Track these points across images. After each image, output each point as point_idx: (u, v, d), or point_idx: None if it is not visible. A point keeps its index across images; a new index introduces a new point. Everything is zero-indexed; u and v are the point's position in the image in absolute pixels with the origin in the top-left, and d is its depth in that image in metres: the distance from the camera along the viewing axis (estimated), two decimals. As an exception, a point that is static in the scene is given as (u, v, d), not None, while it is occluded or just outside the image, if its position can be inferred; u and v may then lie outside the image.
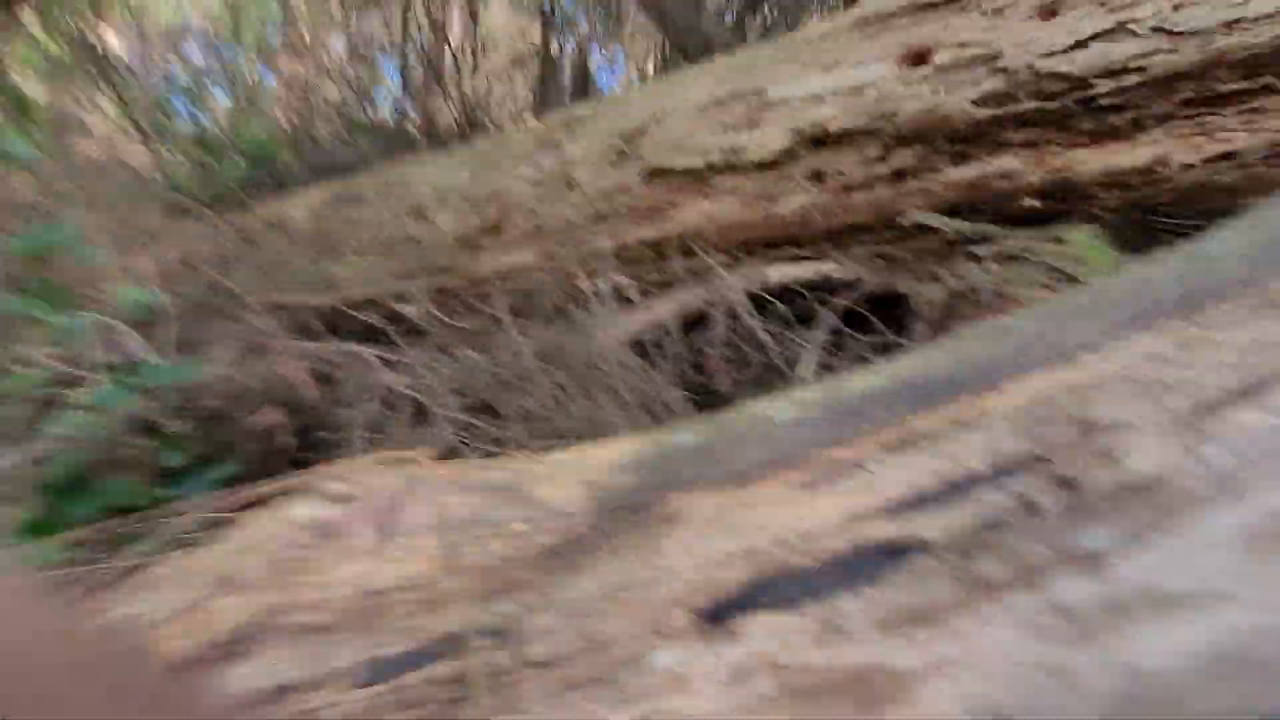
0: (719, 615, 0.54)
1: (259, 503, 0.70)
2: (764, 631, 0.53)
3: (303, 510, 0.64)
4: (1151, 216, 1.48)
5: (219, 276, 1.98)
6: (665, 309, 1.58)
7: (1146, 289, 0.65)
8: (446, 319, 1.75)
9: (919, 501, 0.55)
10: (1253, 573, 0.48)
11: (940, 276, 1.49)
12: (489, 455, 1.24)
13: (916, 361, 0.71)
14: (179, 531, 0.76)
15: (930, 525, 0.53)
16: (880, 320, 1.48)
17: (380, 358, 1.58)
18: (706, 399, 1.45)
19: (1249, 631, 0.49)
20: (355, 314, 1.88)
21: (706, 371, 1.47)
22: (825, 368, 1.39)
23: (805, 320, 1.47)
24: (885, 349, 1.40)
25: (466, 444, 1.33)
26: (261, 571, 0.61)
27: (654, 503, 0.63)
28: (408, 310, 1.87)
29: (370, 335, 1.86)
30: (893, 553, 0.53)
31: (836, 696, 0.51)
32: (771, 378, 1.41)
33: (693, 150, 1.67)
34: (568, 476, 0.69)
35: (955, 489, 0.54)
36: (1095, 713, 0.50)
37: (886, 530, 0.54)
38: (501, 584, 0.60)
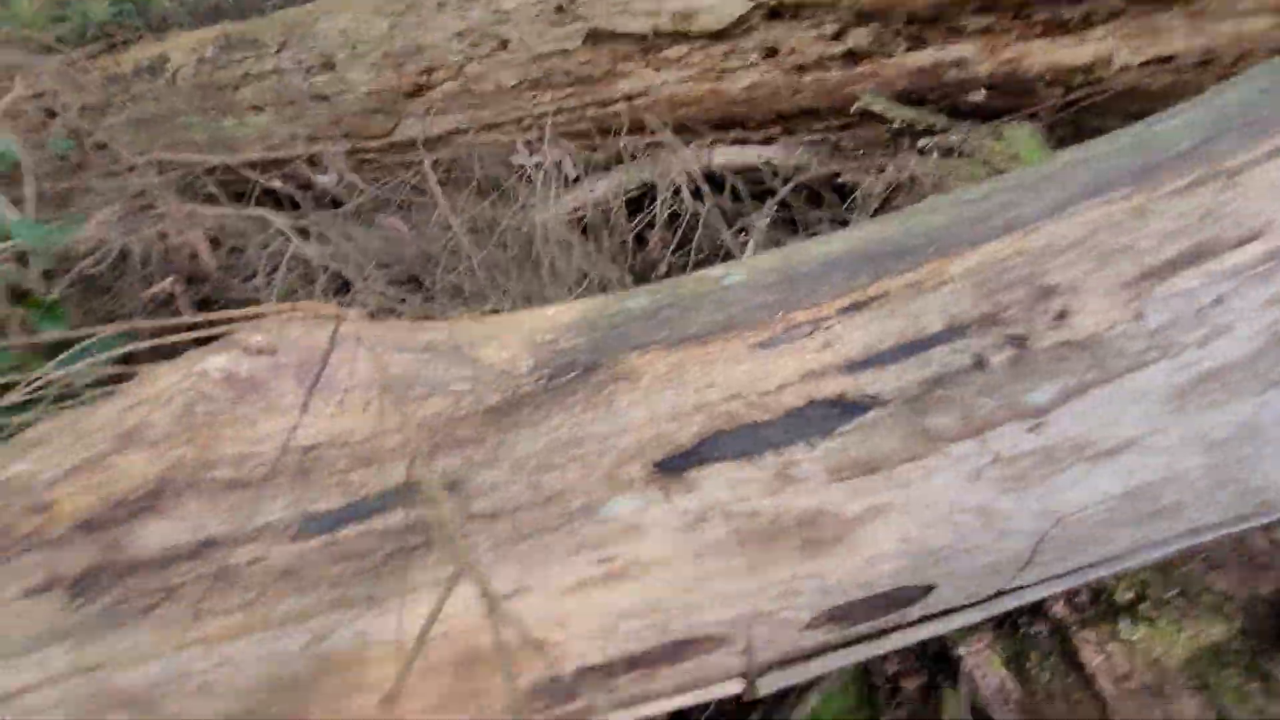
0: (675, 467, 0.53)
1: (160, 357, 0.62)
2: (718, 482, 0.53)
3: (217, 362, 0.57)
4: (1084, 119, 1.51)
5: (88, 126, 1.71)
6: (607, 186, 1.50)
7: (1101, 162, 0.65)
8: (365, 186, 1.59)
9: (875, 360, 0.55)
10: (1172, 425, 0.52)
11: (884, 168, 1.48)
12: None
13: (872, 231, 0.70)
14: (66, 390, 0.67)
15: (885, 381, 0.54)
16: (823, 206, 1.47)
17: (292, 226, 1.43)
18: (648, 280, 1.42)
19: (1158, 479, 0.53)
20: (257, 178, 1.68)
21: (649, 251, 1.42)
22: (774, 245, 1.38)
23: (753, 198, 1.44)
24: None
25: (393, 314, 1.25)
26: (171, 426, 0.55)
27: (605, 363, 0.60)
28: (320, 177, 1.69)
29: (276, 202, 1.68)
30: (847, 407, 0.54)
31: (784, 539, 0.53)
32: (714, 261, 1.39)
33: (640, 12, 1.53)
34: (512, 337, 0.65)
35: (911, 348, 0.55)
36: (1013, 551, 0.55)
37: (842, 386, 0.54)
38: (445, 441, 0.57)
